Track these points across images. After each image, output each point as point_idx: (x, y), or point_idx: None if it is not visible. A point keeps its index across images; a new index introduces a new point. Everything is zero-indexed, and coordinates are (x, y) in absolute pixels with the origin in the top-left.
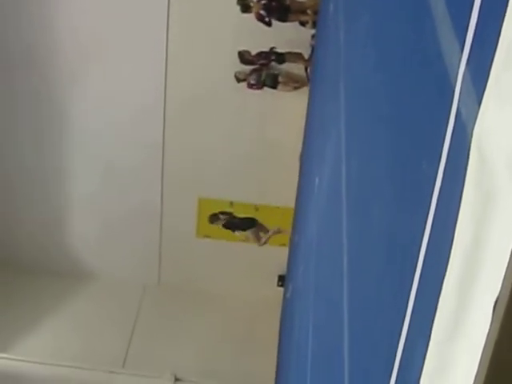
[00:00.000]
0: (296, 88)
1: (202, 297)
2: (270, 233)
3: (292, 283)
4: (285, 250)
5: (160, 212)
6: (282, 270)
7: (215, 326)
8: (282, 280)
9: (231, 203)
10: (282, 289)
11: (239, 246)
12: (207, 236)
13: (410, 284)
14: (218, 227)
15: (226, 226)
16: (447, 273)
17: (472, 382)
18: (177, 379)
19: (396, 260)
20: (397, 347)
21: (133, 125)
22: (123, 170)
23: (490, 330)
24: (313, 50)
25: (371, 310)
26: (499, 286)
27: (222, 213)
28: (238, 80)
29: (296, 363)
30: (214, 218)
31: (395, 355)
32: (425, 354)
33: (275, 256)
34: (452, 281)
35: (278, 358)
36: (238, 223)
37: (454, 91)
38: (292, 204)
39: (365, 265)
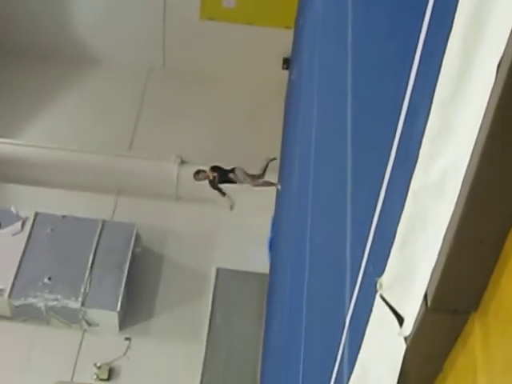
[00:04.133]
0: None
1: (208, 80)
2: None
3: (297, 66)
4: (290, 33)
5: None
6: (287, 53)
7: (221, 109)
8: (286, 63)
9: None
10: (286, 72)
11: (244, 28)
12: (211, 18)
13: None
14: (222, 10)
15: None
16: (451, 34)
17: (474, 140)
18: (182, 161)
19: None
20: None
21: None
22: None
23: (492, 90)
24: None
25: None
26: (503, 47)
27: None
28: None
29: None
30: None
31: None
32: (427, 119)
33: (280, 39)
34: (456, 42)
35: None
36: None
37: None
38: None
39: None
